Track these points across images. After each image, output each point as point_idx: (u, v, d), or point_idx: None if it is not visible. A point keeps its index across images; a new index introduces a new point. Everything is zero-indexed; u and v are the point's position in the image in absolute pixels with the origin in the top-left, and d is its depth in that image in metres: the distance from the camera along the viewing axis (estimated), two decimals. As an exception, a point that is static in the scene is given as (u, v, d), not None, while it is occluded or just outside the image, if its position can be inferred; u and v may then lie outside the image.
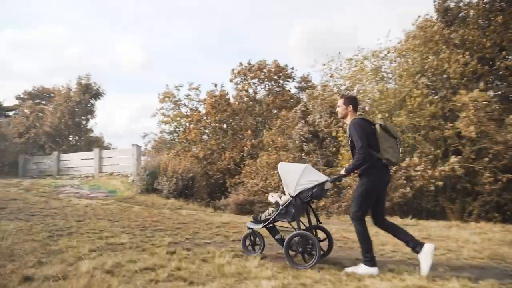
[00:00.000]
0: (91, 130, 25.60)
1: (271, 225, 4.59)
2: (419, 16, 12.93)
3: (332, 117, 13.33)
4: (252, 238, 4.78)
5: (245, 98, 21.94)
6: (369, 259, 3.92)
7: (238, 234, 6.39)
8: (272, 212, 4.54)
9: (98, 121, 35.59)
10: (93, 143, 24.12)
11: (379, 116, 11.53)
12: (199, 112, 22.18)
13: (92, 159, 16.66)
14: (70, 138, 24.23)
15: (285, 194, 4.48)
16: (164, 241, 5.45)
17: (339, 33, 47.77)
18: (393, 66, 13.07)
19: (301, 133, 14.21)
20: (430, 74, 11.81)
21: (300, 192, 4.31)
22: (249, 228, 4.70)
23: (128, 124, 53.18)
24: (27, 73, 53.35)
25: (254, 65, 22.29)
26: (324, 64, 15.09)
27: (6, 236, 5.23)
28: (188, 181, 12.85)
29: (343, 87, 14.47)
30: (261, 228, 4.58)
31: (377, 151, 3.98)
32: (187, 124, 22.25)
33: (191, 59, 55.88)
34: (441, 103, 11.48)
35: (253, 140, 18.87)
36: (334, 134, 13.05)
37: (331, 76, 15.06)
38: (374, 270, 3.87)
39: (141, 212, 9.53)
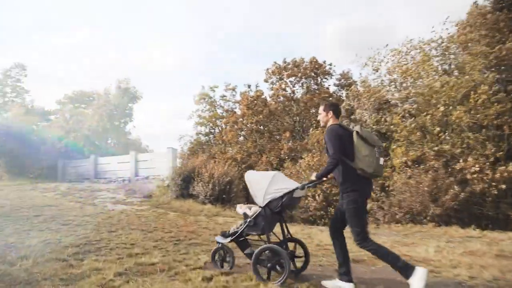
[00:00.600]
0: (129, 133, 25.78)
1: (241, 238, 4.25)
2: (475, 2, 11.75)
3: (381, 113, 12.38)
4: (222, 253, 4.46)
5: (281, 98, 21.19)
6: (405, 269, 3.54)
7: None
8: (241, 225, 4.21)
9: (136, 124, 36.04)
10: (130, 146, 24.23)
11: (441, 108, 10.43)
12: (235, 113, 21.67)
13: (128, 162, 16.49)
14: (109, 141, 24.50)
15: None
16: (199, 260, 4.81)
17: (374, 29, 45.88)
18: (452, 58, 11.86)
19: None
20: (502, 67, 10.52)
21: (269, 202, 4.00)
22: (218, 243, 4.38)
23: (165, 126, 53.83)
24: (68, 77, 55.22)
25: (289, 63, 21.49)
26: (369, 58, 14.09)
27: (29, 253, 4.78)
28: (225, 186, 12.26)
29: (390, 80, 13.43)
30: (229, 242, 4.27)
31: (352, 160, 3.73)
32: (223, 125, 21.81)
33: (225, 60, 55.77)
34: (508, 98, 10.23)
35: (290, 142, 18.09)
36: (383, 131, 12.11)
37: (376, 70, 14.04)
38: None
39: (176, 219, 9.02)
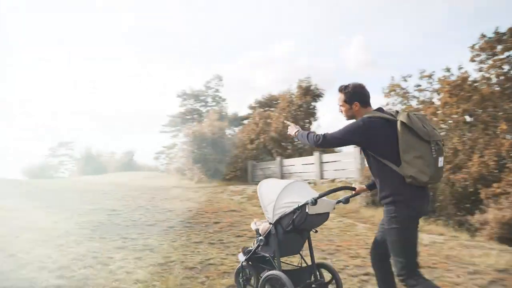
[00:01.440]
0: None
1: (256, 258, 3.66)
2: None
3: None
4: (247, 272, 3.84)
5: (497, 79, 16.76)
6: None
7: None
8: (256, 243, 3.63)
9: (321, 123, 35.57)
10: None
11: None
12: (433, 103, 18.33)
13: (312, 164, 15.60)
14: (295, 142, 24.46)
15: None
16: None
17: None
18: None
19: None
20: None
21: (280, 218, 3.35)
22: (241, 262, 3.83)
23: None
24: (262, 86, 59.38)
25: (505, 34, 16.79)
26: None
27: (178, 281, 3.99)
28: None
29: None
30: (244, 261, 3.73)
31: (397, 164, 2.70)
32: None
33: (412, 50, 50.34)
34: None
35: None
36: None
37: None
38: None
39: (365, 234, 7.40)
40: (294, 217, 3.26)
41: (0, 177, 17.69)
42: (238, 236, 6.91)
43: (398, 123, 2.74)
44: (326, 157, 15.48)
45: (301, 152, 22.69)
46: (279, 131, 21.22)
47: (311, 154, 16.55)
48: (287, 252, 3.63)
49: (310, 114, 23.33)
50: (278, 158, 17.76)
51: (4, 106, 58.67)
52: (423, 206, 2.82)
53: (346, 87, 3.09)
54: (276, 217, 3.37)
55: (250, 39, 61.91)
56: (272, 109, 30.23)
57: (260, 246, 3.57)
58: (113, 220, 7.89)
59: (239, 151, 21.14)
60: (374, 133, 2.82)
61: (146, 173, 27.57)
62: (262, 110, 28.06)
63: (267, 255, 3.50)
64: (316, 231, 3.64)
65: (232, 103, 63.48)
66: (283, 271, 3.33)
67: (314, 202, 3.16)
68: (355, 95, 3.03)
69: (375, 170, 2.92)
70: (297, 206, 3.25)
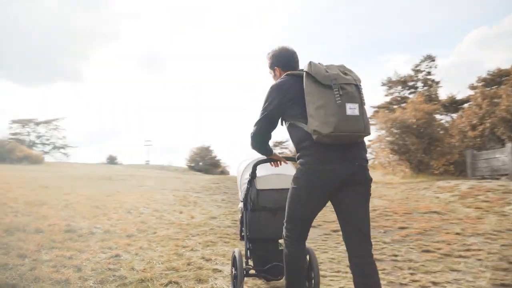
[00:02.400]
0: None
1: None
2: None
3: None
4: None
5: None
6: None
7: None
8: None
9: None
10: None
11: None
12: None
13: None
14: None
15: None
16: None
17: None
18: None
19: None
20: None
21: (245, 196, 3.25)
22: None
23: None
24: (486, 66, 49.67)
25: None
26: None
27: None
28: None
29: None
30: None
31: (305, 121, 2.40)
32: None
33: None
34: None
35: None
36: None
37: None
38: None
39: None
40: (250, 193, 3.18)
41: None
42: (426, 251, 4.78)
43: (304, 75, 2.39)
44: None
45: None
46: (510, 111, 16.35)
47: None
48: (260, 232, 3.30)
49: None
50: (509, 145, 13.30)
51: None
52: (333, 167, 2.32)
53: (269, 52, 2.84)
54: (242, 194, 3.29)
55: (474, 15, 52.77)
56: (501, 86, 24.23)
57: (241, 224, 3.43)
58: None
59: (456, 140, 17.32)
60: (286, 90, 2.51)
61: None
62: (486, 89, 22.70)
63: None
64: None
65: (448, 85, 55.56)
66: (253, 250, 3.30)
67: (254, 174, 3.07)
68: (274, 60, 2.79)
69: (292, 137, 2.53)
70: (246, 181, 3.16)
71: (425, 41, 55.08)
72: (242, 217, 3.38)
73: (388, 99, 30.20)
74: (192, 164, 39.74)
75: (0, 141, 25.72)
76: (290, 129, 2.54)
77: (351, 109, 2.30)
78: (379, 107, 29.39)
